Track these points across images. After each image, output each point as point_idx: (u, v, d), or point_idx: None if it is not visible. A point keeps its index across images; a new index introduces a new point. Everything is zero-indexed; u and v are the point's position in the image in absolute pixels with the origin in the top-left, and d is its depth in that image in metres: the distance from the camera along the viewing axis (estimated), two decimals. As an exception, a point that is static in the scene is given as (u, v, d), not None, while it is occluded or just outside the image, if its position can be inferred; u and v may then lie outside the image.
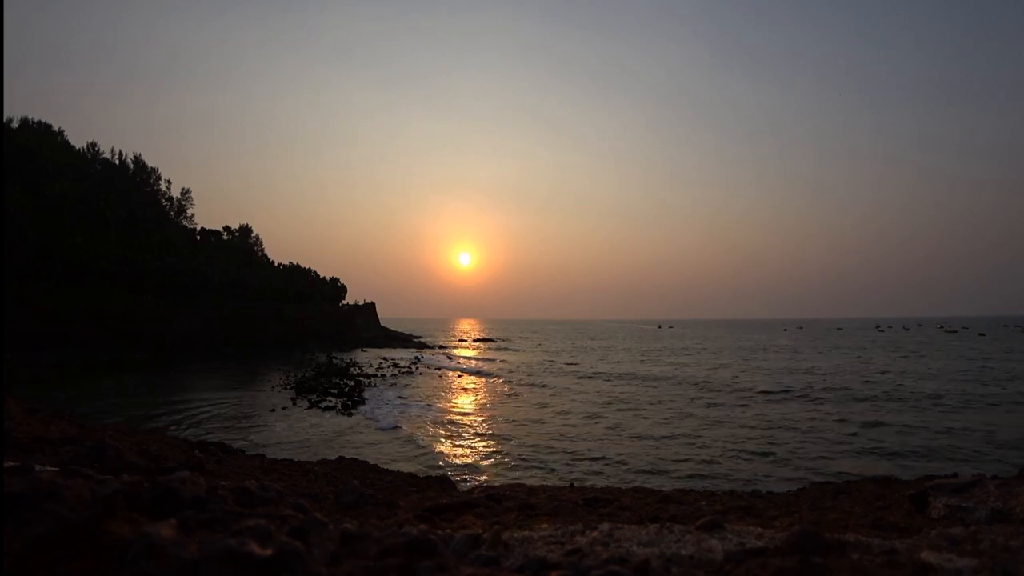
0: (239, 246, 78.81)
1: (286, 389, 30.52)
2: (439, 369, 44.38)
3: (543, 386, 32.87)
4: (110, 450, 3.14)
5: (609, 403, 25.97)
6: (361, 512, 2.96)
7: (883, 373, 35.03)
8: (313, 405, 25.03)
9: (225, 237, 79.44)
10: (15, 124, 62.57)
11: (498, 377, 38.54)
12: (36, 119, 65.51)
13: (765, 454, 15.84)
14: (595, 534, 1.50)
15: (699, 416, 22.14)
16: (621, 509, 3.11)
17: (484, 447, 17.41)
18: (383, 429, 20.12)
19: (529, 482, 9.09)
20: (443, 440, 18.40)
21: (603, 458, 15.68)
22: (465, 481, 12.88)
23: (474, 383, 35.37)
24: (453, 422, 21.66)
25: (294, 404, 25.34)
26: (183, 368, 41.81)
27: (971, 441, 17.35)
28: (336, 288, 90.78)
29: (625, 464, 15.09)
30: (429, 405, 25.29)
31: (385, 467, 6.43)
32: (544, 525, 1.77)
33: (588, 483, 11.96)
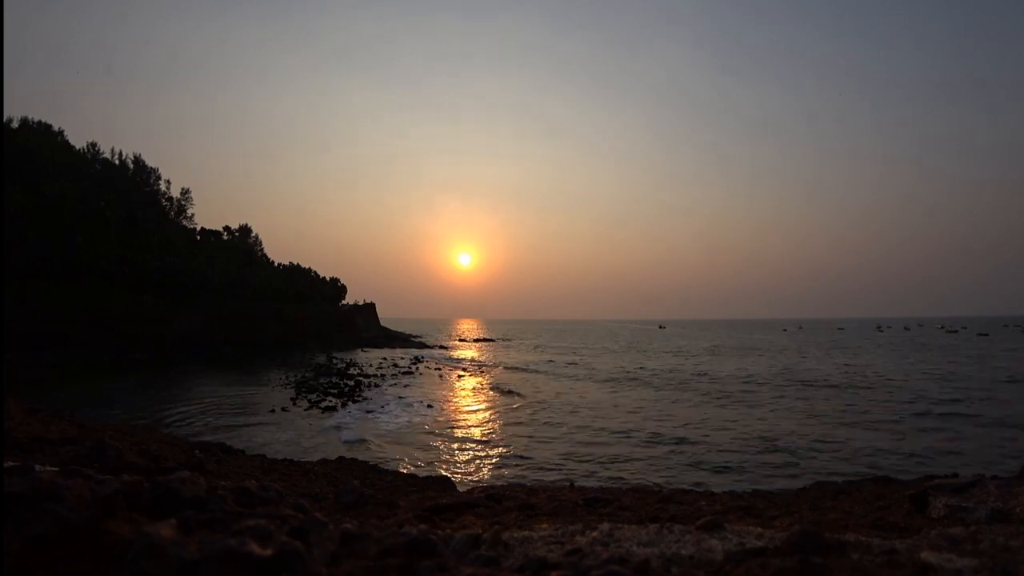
0: (239, 246, 78.81)
1: (286, 389, 30.51)
2: (439, 369, 44.37)
3: (541, 387, 32.86)
4: (110, 450, 3.15)
5: (610, 404, 25.97)
6: (361, 512, 2.96)
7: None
8: (313, 405, 25.02)
9: (225, 237, 79.43)
10: (15, 124, 62.53)
11: (497, 377, 38.54)
12: (36, 119, 65.54)
13: (775, 462, 15.35)
14: (595, 534, 1.50)
15: (704, 417, 22.11)
16: (621, 509, 3.11)
17: (484, 447, 17.41)
18: (383, 429, 20.11)
19: (529, 482, 9.09)
20: (443, 440, 18.39)
21: (603, 458, 15.67)
22: (465, 481, 12.88)
23: (474, 383, 35.36)
24: (453, 422, 21.65)
25: (294, 404, 25.33)
26: (183, 368, 41.78)
27: (971, 441, 17.33)
28: (336, 288, 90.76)
29: (625, 464, 15.08)
30: (429, 405, 25.30)
31: (385, 467, 6.43)
32: (544, 525, 1.77)
33: (588, 483, 11.96)
